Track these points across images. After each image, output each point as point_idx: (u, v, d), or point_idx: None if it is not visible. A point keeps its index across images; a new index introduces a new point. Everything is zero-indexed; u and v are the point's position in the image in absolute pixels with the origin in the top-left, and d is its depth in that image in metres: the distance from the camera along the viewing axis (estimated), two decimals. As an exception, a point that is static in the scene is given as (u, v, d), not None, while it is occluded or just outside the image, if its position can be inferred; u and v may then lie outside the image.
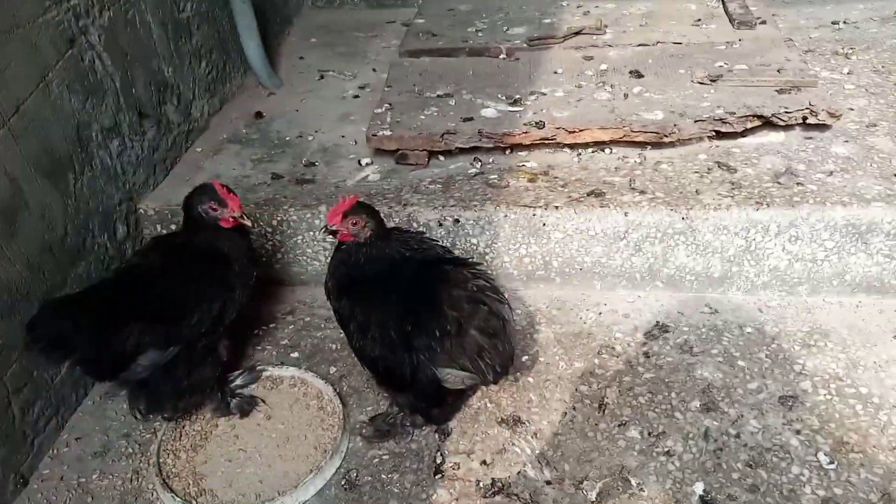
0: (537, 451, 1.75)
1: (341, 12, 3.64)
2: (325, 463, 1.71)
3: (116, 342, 1.62)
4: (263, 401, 1.92)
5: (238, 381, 1.95)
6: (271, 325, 2.21)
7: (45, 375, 1.80)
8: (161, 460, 1.76)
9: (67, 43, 1.86)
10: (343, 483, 1.71)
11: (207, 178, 2.37)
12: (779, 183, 2.11)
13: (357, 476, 1.73)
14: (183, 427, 1.86)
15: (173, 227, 2.21)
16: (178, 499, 1.65)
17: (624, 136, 2.24)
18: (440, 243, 1.88)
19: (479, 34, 2.96)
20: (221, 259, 1.77)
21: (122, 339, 1.62)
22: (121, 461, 1.80)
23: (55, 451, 1.83)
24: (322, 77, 3.00)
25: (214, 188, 1.71)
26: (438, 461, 1.74)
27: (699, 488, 1.63)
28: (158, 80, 2.30)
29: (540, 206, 2.09)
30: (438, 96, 2.52)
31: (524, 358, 2.00)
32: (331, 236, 1.71)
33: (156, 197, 2.27)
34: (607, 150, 2.33)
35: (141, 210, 2.22)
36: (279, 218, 2.21)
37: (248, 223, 1.75)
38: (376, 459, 1.77)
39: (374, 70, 3.01)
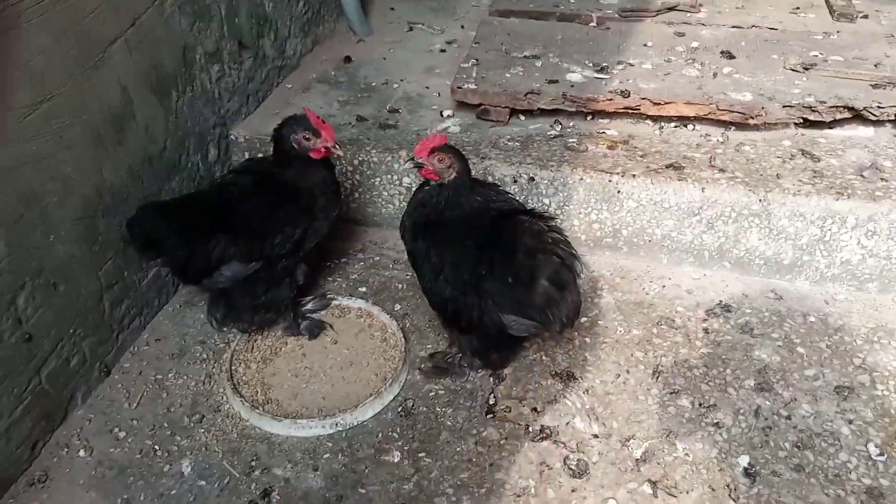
0: (587, 406, 1.80)
1: (434, -32, 3.68)
2: (384, 389, 1.80)
3: (203, 249, 1.73)
4: (331, 326, 2.01)
5: (309, 306, 2.05)
6: (342, 260, 2.30)
7: (134, 277, 1.92)
8: (233, 368, 1.87)
9: (183, -35, 1.95)
10: (399, 410, 1.80)
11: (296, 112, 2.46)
12: (862, 176, 2.09)
13: (413, 405, 1.81)
14: (255, 341, 1.97)
15: (260, 155, 2.31)
16: (246, 403, 1.76)
17: (709, 113, 2.24)
18: (517, 198, 1.92)
19: (571, 0, 2.96)
20: (307, 190, 1.85)
21: (208, 247, 1.73)
22: (195, 364, 1.92)
23: (136, 348, 1.97)
24: (411, 29, 3.05)
25: (307, 118, 1.77)
26: (491, 402, 1.81)
27: (744, 461, 1.66)
28: (259, 14, 2.39)
29: (617, 173, 2.11)
30: (525, 57, 2.55)
31: (583, 319, 2.04)
32: (415, 169, 1.76)
33: (247, 125, 2.38)
34: (690, 127, 2.34)
35: (232, 136, 2.33)
36: (361, 158, 2.29)
37: (341, 153, 1.81)
38: (432, 393, 1.85)
39: (462, 27, 3.05)
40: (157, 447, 1.71)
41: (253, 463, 1.68)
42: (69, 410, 1.76)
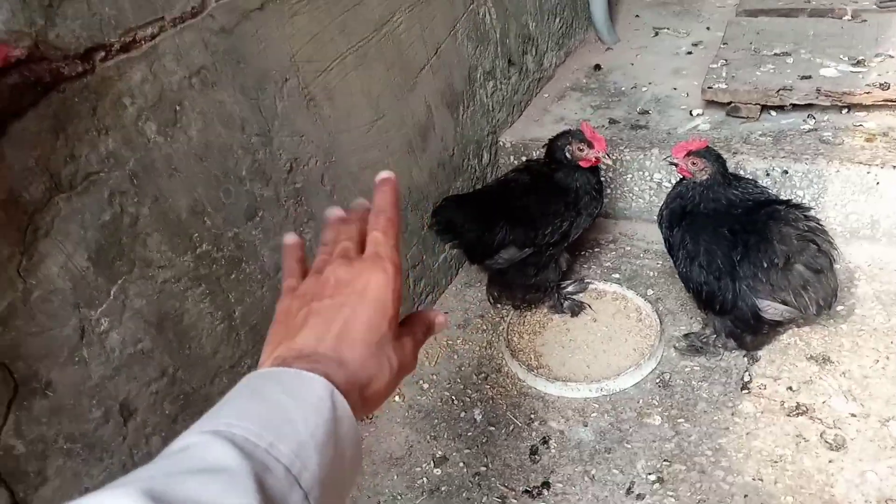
0: (844, 388, 1.88)
1: (677, -27, 3.80)
2: (643, 362, 2.02)
3: (489, 235, 2.06)
4: (590, 306, 2.27)
5: (570, 289, 2.33)
6: (596, 250, 2.55)
7: (429, 261, 2.33)
8: (508, 337, 2.21)
9: (471, -1, 2.33)
10: (657, 381, 2.01)
11: (553, 120, 2.76)
12: None
13: (670, 378, 2.02)
14: (525, 316, 2.29)
15: (523, 158, 2.64)
16: (522, 366, 2.08)
17: (982, 101, 2.18)
18: (774, 193, 2.04)
19: (824, -5, 2.96)
20: (574, 189, 2.12)
21: (493, 233, 2.06)
22: (477, 333, 2.28)
23: (429, 319, 2.38)
24: (656, 34, 3.22)
25: (583, 132, 2.04)
26: (746, 380, 1.96)
27: None
28: (524, 34, 2.72)
29: (876, 165, 2.14)
30: (775, 54, 2.62)
31: (839, 308, 2.09)
32: (673, 167, 1.97)
33: (512, 132, 2.72)
34: (958, 116, 2.28)
35: (500, 142, 2.68)
36: (613, 157, 2.51)
37: (610, 162, 2.07)
38: (687, 369, 2.04)
39: (707, 28, 3.16)
40: (453, 398, 2.08)
41: (531, 416, 1.99)
42: (384, 365, 2.20)
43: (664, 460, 1.80)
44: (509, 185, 2.18)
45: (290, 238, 0.81)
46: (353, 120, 1.85)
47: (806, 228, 1.78)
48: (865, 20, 2.73)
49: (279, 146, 1.59)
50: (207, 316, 1.45)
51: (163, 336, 1.37)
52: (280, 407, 0.56)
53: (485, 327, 2.31)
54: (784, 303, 1.82)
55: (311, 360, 0.62)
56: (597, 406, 1.98)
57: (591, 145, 2.02)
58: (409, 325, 0.72)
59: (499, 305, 2.33)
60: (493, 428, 1.97)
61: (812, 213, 1.86)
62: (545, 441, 1.90)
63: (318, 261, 0.74)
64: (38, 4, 1.10)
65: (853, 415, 1.81)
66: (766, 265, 1.80)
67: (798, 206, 1.86)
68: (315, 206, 1.72)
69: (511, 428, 1.96)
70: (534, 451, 1.87)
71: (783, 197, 2.24)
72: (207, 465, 0.49)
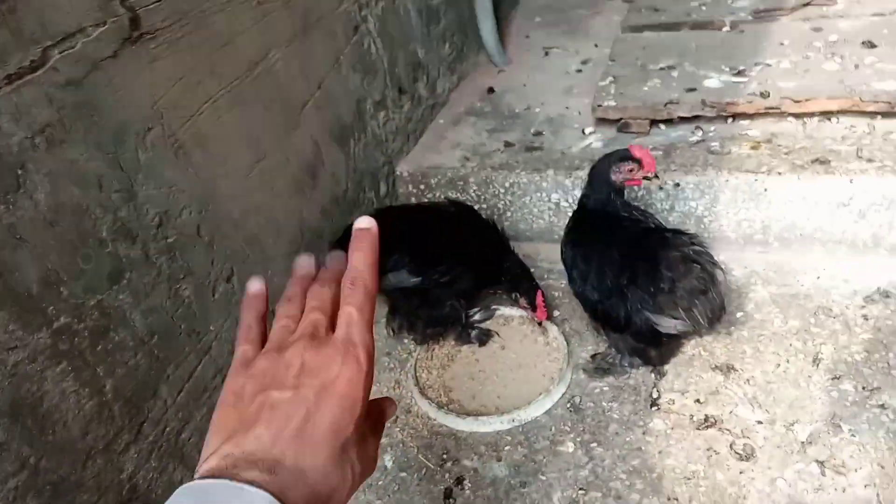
0: (749, 396, 1.90)
1: (564, -9, 3.87)
2: (553, 388, 1.99)
3: (382, 258, 1.99)
4: (498, 334, 2.23)
5: (476, 317, 2.28)
6: (502, 274, 2.52)
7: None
8: (417, 374, 2.14)
9: (353, 30, 2.27)
10: (568, 406, 1.98)
11: (450, 146, 2.73)
12: None
13: (580, 402, 1.99)
14: (433, 350, 2.22)
15: (422, 186, 2.60)
16: (432, 404, 2.01)
17: (853, 105, 2.26)
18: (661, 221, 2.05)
19: (703, 8, 3.05)
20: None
21: (384, 259, 1.98)
22: (385, 373, 2.21)
23: (335, 361, 2.28)
24: (547, 54, 3.25)
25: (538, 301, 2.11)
26: (654, 396, 1.95)
27: (915, 442, 1.70)
28: (413, 61, 2.69)
29: (762, 172, 2.19)
30: (661, 69, 2.67)
31: (739, 314, 2.13)
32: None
33: (409, 161, 2.67)
34: (833, 120, 2.36)
35: (398, 172, 2.62)
36: (511, 181, 2.51)
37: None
38: (597, 390, 2.02)
39: (595, 45, 3.21)
40: (362, 444, 1.99)
41: (444, 455, 1.92)
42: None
43: (580, 489, 1.76)
44: (429, 211, 2.13)
45: (255, 286, 0.72)
46: (231, 164, 1.75)
47: (692, 252, 1.79)
48: (743, 31, 2.82)
49: (145, 200, 1.48)
50: (72, 395, 1.32)
51: (19, 424, 1.23)
52: None
53: (392, 365, 2.23)
54: (673, 318, 1.83)
55: (265, 468, 0.54)
56: (510, 438, 1.93)
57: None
58: (367, 418, 0.65)
59: (401, 337, 2.26)
60: (404, 474, 1.89)
61: (700, 238, 1.87)
62: (459, 482, 1.84)
63: (278, 329, 0.65)
64: None
65: (759, 422, 1.83)
66: (652, 290, 1.79)
67: (686, 234, 1.87)
68: (192, 259, 1.61)
69: (423, 472, 1.89)
70: (448, 495, 1.80)
71: (676, 210, 2.29)
72: None
